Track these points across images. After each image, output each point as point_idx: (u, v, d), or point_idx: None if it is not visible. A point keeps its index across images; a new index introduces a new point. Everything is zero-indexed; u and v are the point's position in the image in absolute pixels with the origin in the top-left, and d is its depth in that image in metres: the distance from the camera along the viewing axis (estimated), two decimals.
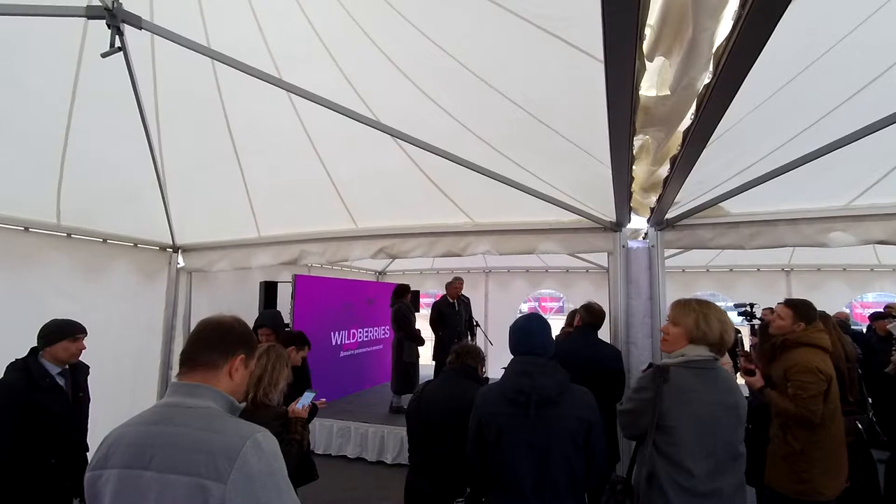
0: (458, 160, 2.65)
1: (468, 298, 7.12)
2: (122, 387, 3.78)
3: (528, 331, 2.03)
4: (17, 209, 3.32)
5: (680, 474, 1.75)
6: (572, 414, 1.88)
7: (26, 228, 3.42)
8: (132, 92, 2.74)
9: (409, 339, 6.09)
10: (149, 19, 2.23)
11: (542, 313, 2.21)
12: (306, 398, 2.50)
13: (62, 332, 2.65)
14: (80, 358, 2.80)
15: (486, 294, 8.97)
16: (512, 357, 2.05)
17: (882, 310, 5.26)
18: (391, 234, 3.99)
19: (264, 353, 2.37)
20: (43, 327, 2.64)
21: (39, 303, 3.35)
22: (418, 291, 8.45)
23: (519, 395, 1.87)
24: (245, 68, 2.16)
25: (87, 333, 2.76)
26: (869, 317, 5.23)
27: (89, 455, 2.76)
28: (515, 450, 1.87)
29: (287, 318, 5.96)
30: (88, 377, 2.91)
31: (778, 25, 1.09)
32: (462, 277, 6.92)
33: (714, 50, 1.23)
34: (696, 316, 1.89)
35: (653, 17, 1.26)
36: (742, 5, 1.05)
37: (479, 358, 2.68)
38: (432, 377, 6.60)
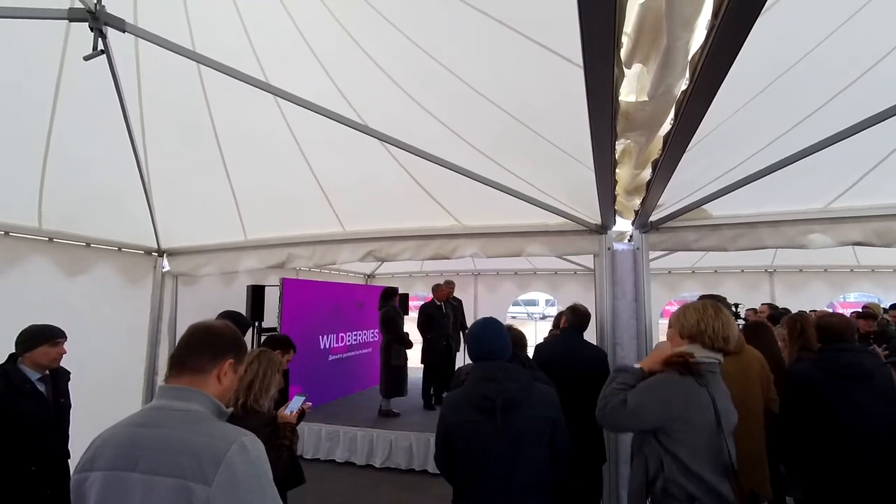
0: (446, 164, 2.67)
1: (459, 301, 7.14)
2: (106, 392, 3.72)
3: (484, 336, 2.05)
4: None
5: (693, 482, 1.71)
6: (538, 414, 1.91)
7: (7, 232, 3.36)
8: (116, 95, 2.72)
9: (397, 342, 6.09)
10: (132, 22, 2.22)
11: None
12: (296, 402, 2.48)
13: (41, 337, 2.62)
14: (62, 363, 2.76)
15: (476, 296, 9.01)
16: (473, 363, 2.07)
17: (861, 309, 5.37)
18: (379, 238, 3.98)
19: (255, 358, 2.35)
20: (21, 333, 2.60)
21: (21, 308, 3.28)
22: (407, 294, 8.45)
23: (485, 400, 1.89)
24: (231, 72, 2.15)
25: (66, 338, 2.72)
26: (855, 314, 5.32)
27: (71, 462, 2.74)
28: (484, 455, 1.89)
29: (275, 323, 5.93)
30: (70, 383, 2.87)
31: (752, 34, 1.12)
32: (453, 281, 6.95)
33: (689, 58, 1.27)
34: (697, 317, 1.88)
35: (629, 25, 1.30)
36: (715, 15, 1.09)
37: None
38: (422, 381, 6.60)
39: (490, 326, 2.08)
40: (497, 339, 2.05)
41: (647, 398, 1.83)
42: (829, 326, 2.68)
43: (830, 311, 7.31)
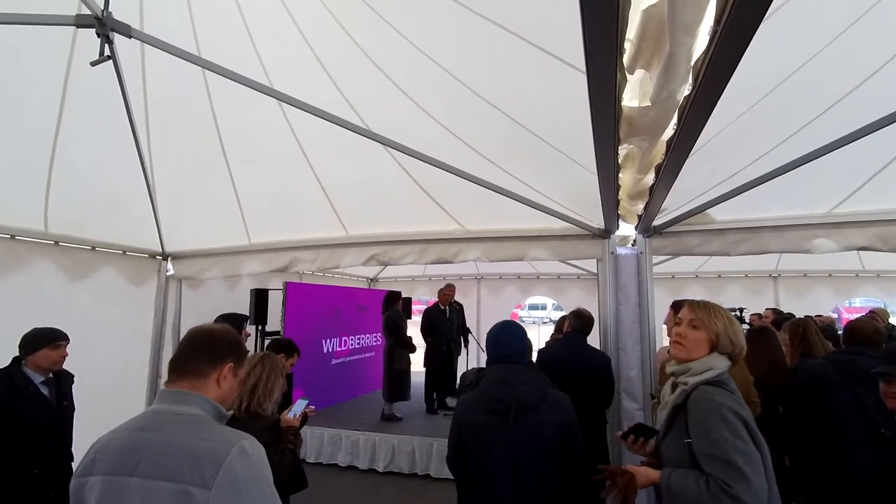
0: (449, 168, 2.68)
1: (461, 305, 7.14)
2: (109, 395, 3.73)
3: (502, 339, 2.05)
4: (3, 216, 3.28)
5: None
6: (552, 420, 1.89)
7: (13, 236, 3.38)
8: (121, 100, 2.74)
9: (400, 346, 6.08)
10: (138, 28, 2.24)
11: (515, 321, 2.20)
12: (299, 406, 2.48)
13: (43, 340, 2.63)
14: (66, 366, 2.77)
15: (478, 300, 9.00)
16: (489, 365, 2.07)
17: (867, 314, 5.33)
18: (382, 242, 3.99)
19: (258, 361, 2.36)
20: (24, 336, 2.61)
21: (26, 311, 3.29)
22: (410, 298, 8.45)
23: (498, 403, 1.88)
24: (235, 76, 2.17)
25: (69, 340, 2.73)
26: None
27: (74, 464, 2.74)
28: (494, 457, 1.88)
29: (278, 326, 5.94)
30: (74, 385, 2.88)
31: (755, 39, 1.13)
32: (454, 284, 6.96)
33: (692, 63, 1.27)
34: (724, 321, 1.64)
35: (632, 31, 1.30)
36: (717, 21, 1.09)
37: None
38: (424, 384, 6.58)
39: (509, 329, 2.08)
40: (515, 342, 2.04)
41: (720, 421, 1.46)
42: (858, 329, 2.69)
43: (835, 316, 7.28)
